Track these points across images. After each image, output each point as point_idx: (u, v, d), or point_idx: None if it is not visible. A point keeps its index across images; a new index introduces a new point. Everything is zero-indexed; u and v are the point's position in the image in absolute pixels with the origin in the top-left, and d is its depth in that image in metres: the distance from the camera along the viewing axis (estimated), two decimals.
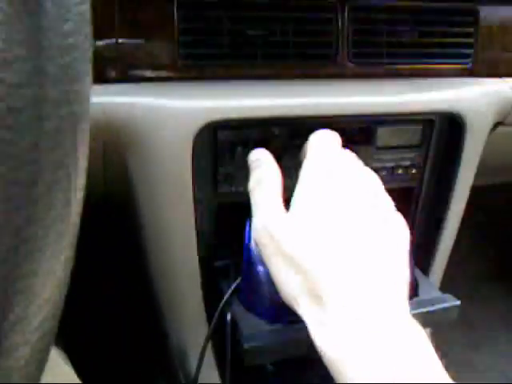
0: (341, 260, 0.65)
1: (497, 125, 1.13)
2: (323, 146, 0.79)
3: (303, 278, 0.66)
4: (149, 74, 0.89)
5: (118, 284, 1.45)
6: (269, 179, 0.78)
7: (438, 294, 1.05)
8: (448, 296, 1.02)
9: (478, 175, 1.23)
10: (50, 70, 0.29)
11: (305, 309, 0.67)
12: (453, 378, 1.51)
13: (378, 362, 0.57)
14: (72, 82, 0.30)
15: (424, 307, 0.99)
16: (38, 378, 0.36)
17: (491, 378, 1.84)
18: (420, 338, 0.61)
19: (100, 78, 0.86)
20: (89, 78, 0.32)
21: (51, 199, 0.31)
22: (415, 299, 1.03)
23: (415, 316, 0.97)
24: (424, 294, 1.05)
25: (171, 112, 0.85)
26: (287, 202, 0.94)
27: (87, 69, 0.32)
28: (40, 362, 0.35)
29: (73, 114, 0.31)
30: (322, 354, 0.63)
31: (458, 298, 1.93)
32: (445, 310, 1.01)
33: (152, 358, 1.37)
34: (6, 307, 0.31)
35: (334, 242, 0.66)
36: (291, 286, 0.69)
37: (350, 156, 0.79)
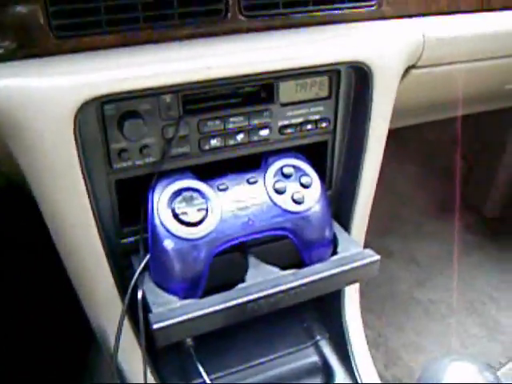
0: None
1: (409, 69, 1.08)
2: None
3: None
4: (19, 50, 0.81)
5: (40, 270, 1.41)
6: None
7: (357, 249, 1.02)
8: (367, 251, 1.00)
9: (402, 117, 1.19)
10: None
11: None
12: (399, 314, 1.52)
13: None
14: None
15: (343, 265, 0.97)
16: None
17: (436, 311, 1.86)
18: None
19: None
20: None
21: None
22: (334, 257, 1.01)
23: (336, 275, 0.96)
24: (343, 250, 1.03)
25: (44, 92, 0.78)
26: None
27: None
28: None
29: None
30: None
31: (403, 235, 1.94)
32: (365, 266, 0.98)
33: (78, 336, 1.34)
34: None
35: None
36: None
37: None
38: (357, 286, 1.23)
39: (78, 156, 0.83)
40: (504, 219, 2.27)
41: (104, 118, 0.86)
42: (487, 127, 2.14)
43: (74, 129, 0.81)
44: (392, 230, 2.14)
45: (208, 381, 0.97)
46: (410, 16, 1.07)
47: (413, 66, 1.08)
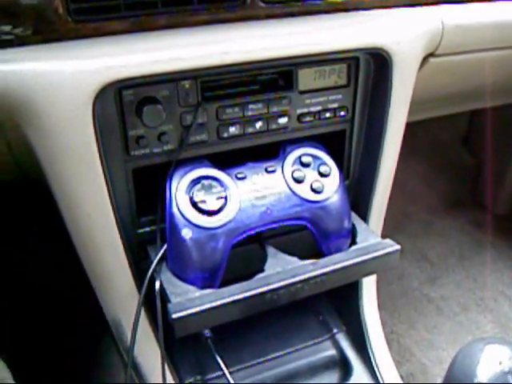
0: None
1: (427, 57, 1.07)
2: None
3: None
4: (35, 35, 0.79)
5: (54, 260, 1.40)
6: None
7: (376, 239, 1.01)
8: (387, 241, 0.98)
9: (418, 110, 1.18)
10: None
11: None
12: (411, 311, 1.51)
13: None
14: None
15: (363, 255, 0.95)
16: None
17: (447, 308, 1.85)
18: None
19: None
20: None
21: None
22: (354, 247, 1.00)
23: (357, 265, 0.95)
24: (362, 240, 1.01)
25: (62, 76, 0.76)
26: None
27: None
28: None
29: None
30: None
31: (412, 233, 1.92)
32: (385, 255, 0.97)
33: (91, 331, 1.33)
34: None
35: None
36: None
37: None
38: (374, 278, 1.21)
39: (97, 142, 0.81)
40: None
41: (122, 103, 0.85)
42: (496, 124, 2.13)
43: (93, 114, 0.79)
44: (401, 228, 2.12)
45: (227, 372, 0.95)
46: (427, 4, 1.06)
47: (431, 55, 1.07)
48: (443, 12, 1.05)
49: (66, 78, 0.77)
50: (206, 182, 0.92)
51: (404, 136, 1.10)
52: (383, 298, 1.58)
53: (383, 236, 1.03)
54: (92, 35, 0.83)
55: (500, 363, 0.73)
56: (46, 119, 0.78)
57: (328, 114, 1.02)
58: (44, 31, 0.80)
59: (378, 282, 1.24)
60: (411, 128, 1.25)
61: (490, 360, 0.74)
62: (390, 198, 1.17)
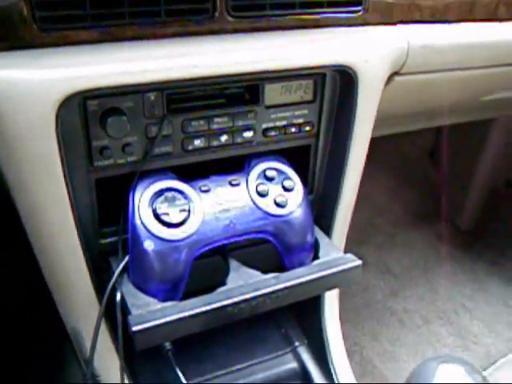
0: None
1: (392, 75, 1.09)
2: None
3: None
4: (3, 41, 0.78)
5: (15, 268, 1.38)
6: None
7: (338, 254, 1.02)
8: (349, 256, 0.99)
9: (383, 126, 1.20)
10: None
11: None
12: (374, 323, 1.53)
13: None
14: None
15: (325, 270, 0.96)
16: None
17: (410, 321, 1.87)
18: None
19: None
20: None
21: None
22: (316, 262, 1.00)
23: (318, 280, 0.96)
24: (325, 255, 1.02)
25: (26, 85, 0.76)
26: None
27: None
28: None
29: None
30: None
31: (378, 245, 1.94)
32: (347, 270, 0.98)
33: (52, 340, 1.31)
34: None
35: None
36: None
37: None
38: (336, 291, 1.22)
39: (59, 152, 0.81)
40: (478, 231, 2.30)
41: (86, 114, 0.84)
42: (461, 139, 2.17)
43: (56, 123, 0.78)
44: (366, 240, 2.15)
45: None
46: (394, 23, 1.08)
47: (396, 73, 1.09)
48: (409, 32, 1.06)
49: (28, 86, 0.76)
50: (169, 194, 0.92)
51: (371, 150, 1.11)
52: (347, 310, 1.60)
53: (348, 248, 1.04)
54: (59, 44, 0.82)
55: (453, 382, 0.74)
56: (8, 126, 0.77)
57: (293, 129, 1.02)
58: (10, 38, 0.79)
59: (341, 294, 1.25)
60: (379, 142, 1.27)
61: (442, 379, 0.75)
62: (356, 210, 1.18)
